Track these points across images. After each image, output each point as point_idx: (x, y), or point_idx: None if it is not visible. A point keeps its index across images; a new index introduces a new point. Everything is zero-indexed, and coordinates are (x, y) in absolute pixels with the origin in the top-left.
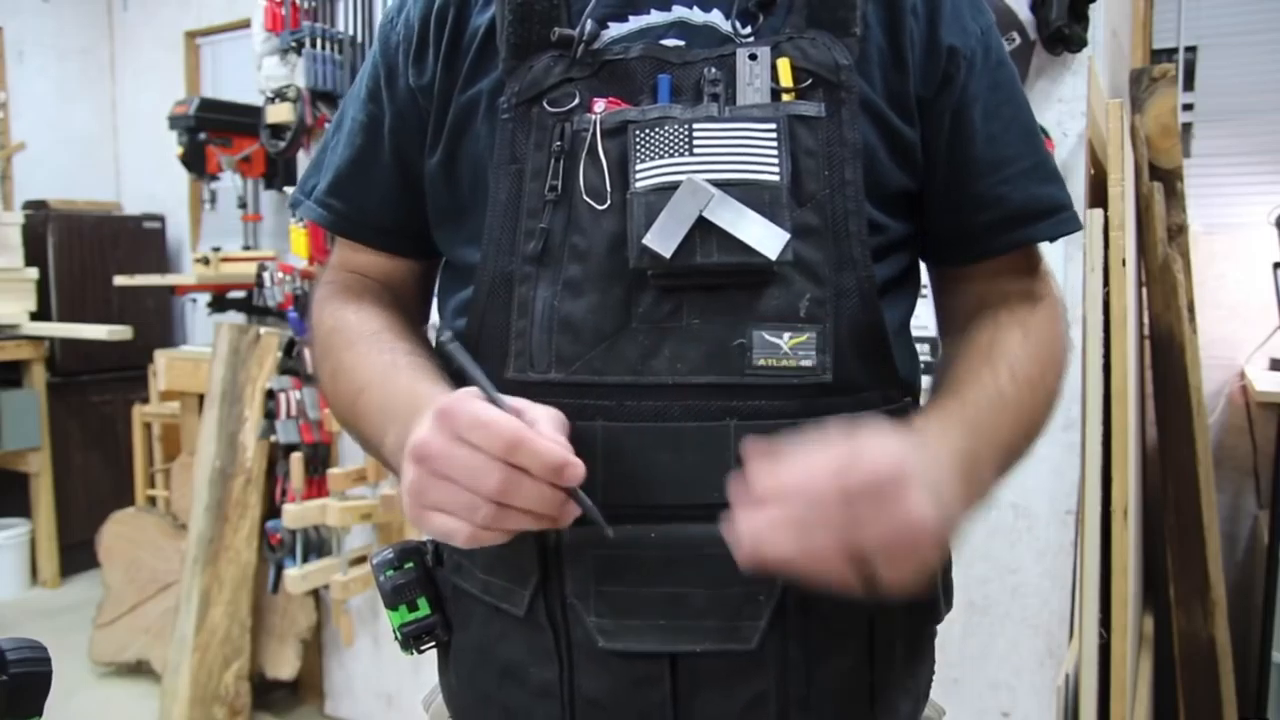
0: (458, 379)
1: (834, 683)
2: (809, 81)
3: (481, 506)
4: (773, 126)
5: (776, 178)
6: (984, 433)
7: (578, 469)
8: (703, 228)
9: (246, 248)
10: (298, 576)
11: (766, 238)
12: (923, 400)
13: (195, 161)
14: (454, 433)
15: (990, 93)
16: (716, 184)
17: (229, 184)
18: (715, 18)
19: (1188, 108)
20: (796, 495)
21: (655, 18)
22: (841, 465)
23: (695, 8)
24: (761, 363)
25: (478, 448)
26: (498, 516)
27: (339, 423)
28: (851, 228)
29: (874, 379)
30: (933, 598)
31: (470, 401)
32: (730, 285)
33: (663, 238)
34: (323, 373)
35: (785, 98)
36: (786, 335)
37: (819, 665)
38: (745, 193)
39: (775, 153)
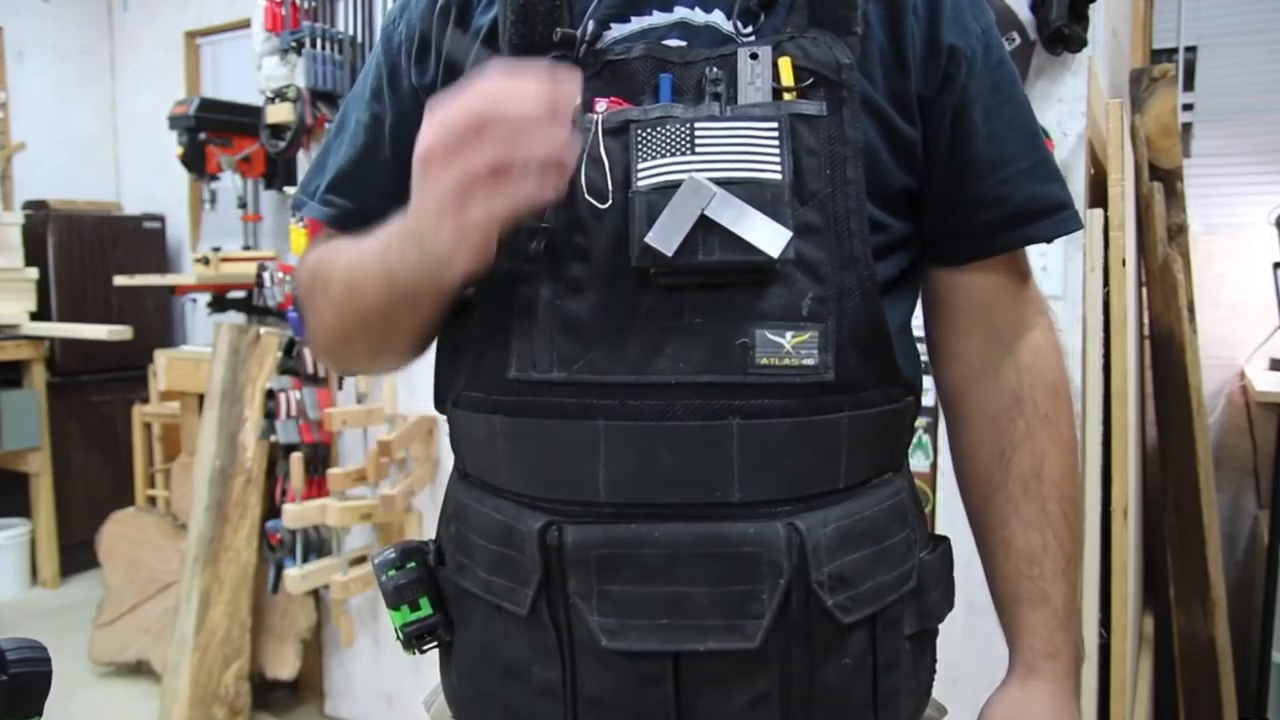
0: (469, 361)
1: (837, 681)
2: (810, 80)
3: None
4: (774, 125)
5: (778, 176)
6: (1071, 616)
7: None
8: (705, 226)
9: (246, 248)
10: (298, 576)
11: (768, 236)
12: (925, 400)
13: (195, 161)
14: (455, 149)
15: (991, 92)
16: (718, 182)
17: (229, 184)
18: (717, 18)
19: (1188, 108)
20: None
21: (657, 18)
22: None
23: (697, 8)
24: (764, 361)
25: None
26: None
27: (340, 342)
28: (853, 226)
29: (876, 378)
30: (936, 595)
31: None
32: (732, 284)
33: (664, 236)
34: (315, 307)
35: (787, 97)
36: (789, 334)
37: (822, 664)
38: (747, 191)
39: (777, 151)
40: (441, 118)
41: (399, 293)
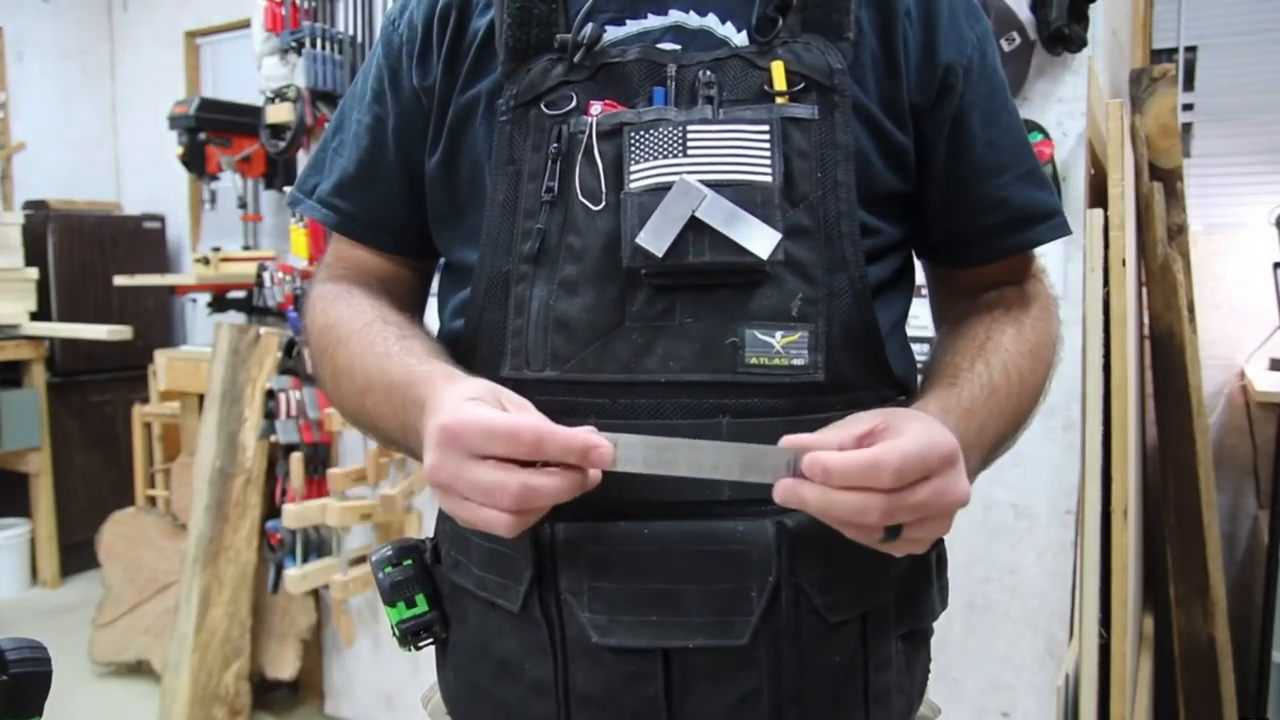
0: (464, 361)
1: (827, 679)
2: (802, 85)
3: (504, 516)
4: (765, 128)
5: (769, 178)
6: (975, 423)
7: (605, 451)
8: (695, 227)
9: (246, 248)
10: (298, 576)
11: (758, 237)
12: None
13: (195, 161)
14: (466, 451)
15: (987, 100)
16: (710, 184)
17: (229, 184)
18: (711, 22)
19: (1188, 108)
20: (875, 474)
21: (652, 22)
22: (921, 447)
23: (691, 12)
24: (753, 361)
25: (496, 457)
26: (522, 520)
27: (349, 422)
28: (844, 229)
29: (867, 379)
30: (928, 594)
31: (475, 415)
32: (722, 284)
33: (655, 237)
34: (323, 374)
35: (779, 100)
36: (779, 334)
37: (812, 661)
38: (738, 193)
39: (768, 154)
40: (492, 425)
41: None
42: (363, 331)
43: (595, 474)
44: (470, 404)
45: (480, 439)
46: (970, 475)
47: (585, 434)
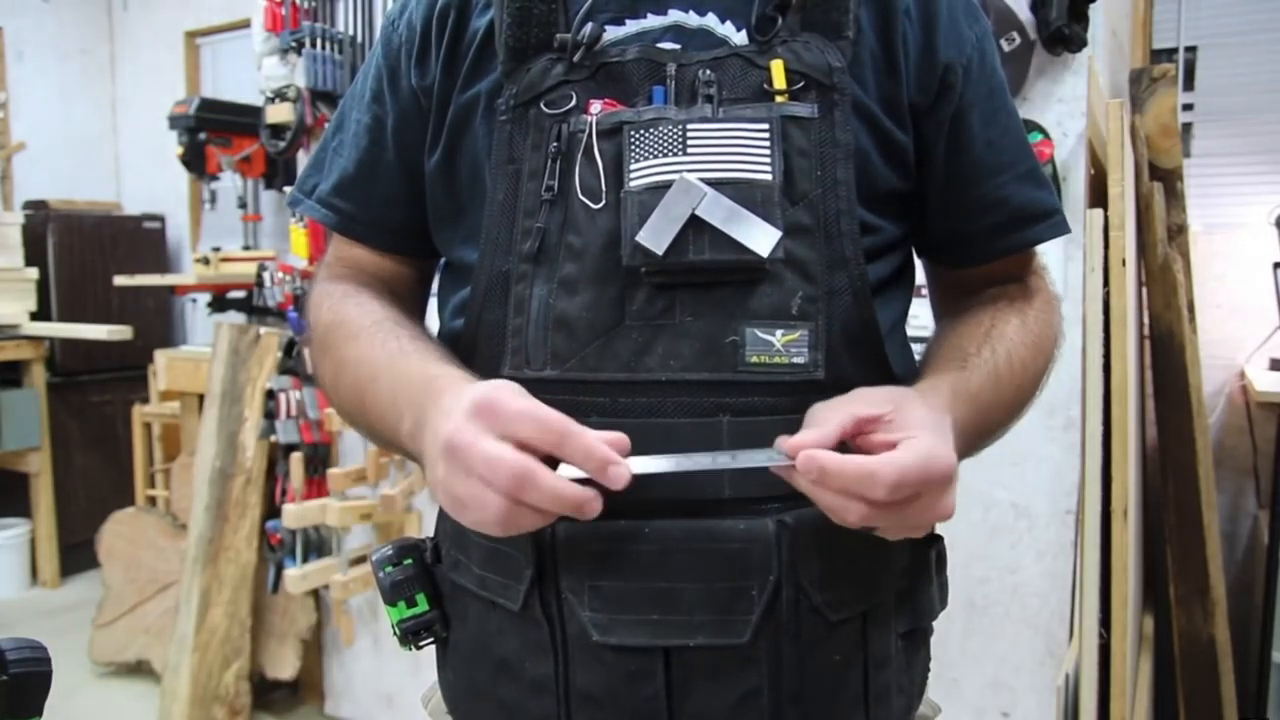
0: (465, 361)
1: (827, 678)
2: (802, 83)
3: (497, 498)
4: (765, 127)
5: (769, 177)
6: (979, 408)
7: (620, 471)
8: (695, 226)
9: (246, 248)
10: (298, 576)
11: (758, 236)
12: None
13: (195, 161)
14: (490, 424)
15: (986, 99)
16: (710, 183)
17: (229, 184)
18: (710, 21)
19: (1188, 108)
20: (869, 485)
21: (651, 21)
22: (920, 464)
23: (691, 12)
24: (754, 359)
25: (519, 441)
26: (513, 514)
27: (342, 417)
28: (843, 227)
29: (868, 377)
30: (927, 593)
31: (512, 395)
32: (723, 283)
33: (655, 235)
34: (323, 368)
35: (779, 99)
36: (779, 332)
37: (812, 660)
38: (738, 191)
39: (768, 152)
40: (525, 407)
41: (406, 451)
42: (373, 328)
43: (594, 506)
44: (503, 387)
45: (510, 416)
46: (960, 458)
47: (606, 452)
